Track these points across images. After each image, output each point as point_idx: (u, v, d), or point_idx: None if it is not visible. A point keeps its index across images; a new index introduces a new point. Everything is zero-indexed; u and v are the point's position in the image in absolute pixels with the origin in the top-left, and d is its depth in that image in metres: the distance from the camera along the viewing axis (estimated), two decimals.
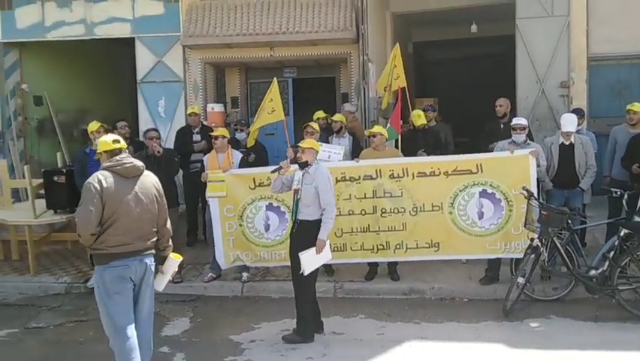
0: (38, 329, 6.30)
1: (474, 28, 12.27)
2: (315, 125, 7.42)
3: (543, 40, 9.38)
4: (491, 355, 5.29)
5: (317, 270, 5.65)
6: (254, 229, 7.03)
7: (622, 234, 6.08)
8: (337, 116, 8.26)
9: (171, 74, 10.30)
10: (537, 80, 9.41)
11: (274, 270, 7.44)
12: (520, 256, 6.43)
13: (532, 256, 6.19)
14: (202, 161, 7.42)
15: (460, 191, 6.75)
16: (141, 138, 9.07)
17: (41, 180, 7.99)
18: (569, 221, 6.26)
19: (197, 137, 8.55)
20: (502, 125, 7.79)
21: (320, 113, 8.70)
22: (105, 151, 4.52)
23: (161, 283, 4.76)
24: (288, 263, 5.89)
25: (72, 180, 7.58)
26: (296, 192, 5.59)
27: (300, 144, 5.69)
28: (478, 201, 6.73)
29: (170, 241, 4.82)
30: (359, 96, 9.73)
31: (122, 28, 10.32)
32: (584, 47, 9.34)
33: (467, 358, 5.25)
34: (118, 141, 4.55)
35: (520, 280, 6.15)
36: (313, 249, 5.45)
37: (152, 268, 4.63)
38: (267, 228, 7.02)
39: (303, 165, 5.60)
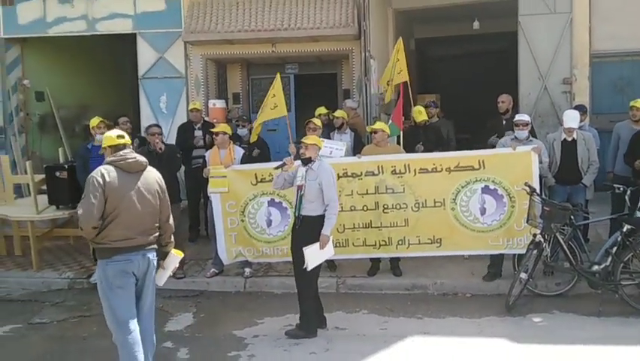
0: (42, 325, 6.31)
1: (476, 24, 12.24)
2: (317, 122, 7.42)
3: (545, 37, 9.37)
4: (494, 350, 5.29)
5: (319, 265, 5.66)
6: (256, 224, 7.04)
7: (625, 229, 6.09)
8: (339, 113, 8.26)
9: (173, 70, 10.29)
10: (539, 76, 9.41)
11: (276, 265, 7.45)
12: (523, 251, 6.45)
13: (535, 251, 6.19)
14: (204, 157, 7.43)
15: (463, 187, 6.76)
16: (143, 134, 9.08)
17: (43, 176, 8.00)
18: (572, 217, 6.27)
19: (198, 133, 8.55)
20: (504, 122, 7.78)
21: (322, 110, 8.70)
22: (109, 146, 4.55)
23: (162, 278, 4.77)
24: (290, 259, 5.90)
25: (74, 175, 7.59)
26: (299, 188, 5.59)
27: (303, 140, 5.69)
28: (481, 197, 6.74)
29: (172, 237, 4.82)
30: (361, 92, 9.72)
31: (123, 24, 10.30)
32: (586, 43, 9.32)
33: (470, 353, 5.26)
34: (122, 137, 4.57)
35: (523, 275, 6.16)
36: (317, 244, 5.46)
37: (155, 263, 4.64)
38: (269, 223, 7.03)
39: (307, 162, 5.61)
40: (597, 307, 5.92)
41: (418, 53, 14.17)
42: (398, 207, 6.85)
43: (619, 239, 6.11)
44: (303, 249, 5.41)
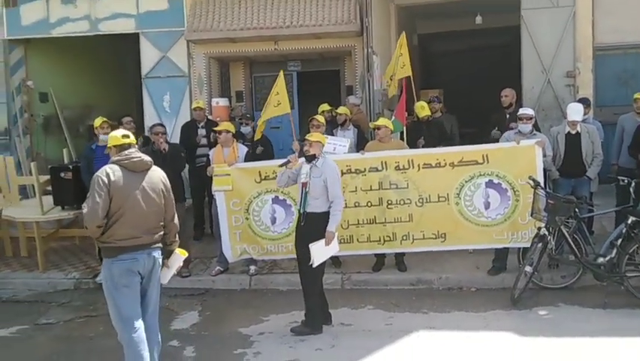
0: (48, 325, 6.33)
1: (479, 19, 12.20)
2: (321, 119, 7.42)
3: (548, 31, 9.34)
4: (500, 344, 5.29)
5: (324, 262, 5.67)
6: (260, 222, 7.05)
7: (629, 221, 6.08)
8: (341, 109, 8.26)
9: (176, 69, 10.30)
10: (543, 70, 9.38)
11: (281, 263, 7.46)
12: (528, 245, 6.44)
13: (540, 244, 6.19)
14: (208, 155, 7.44)
15: (467, 182, 6.75)
16: (147, 133, 9.10)
17: (48, 177, 8.01)
18: (576, 210, 6.26)
19: (202, 131, 8.56)
20: (507, 116, 7.76)
21: (325, 106, 8.69)
22: (114, 146, 4.58)
23: (166, 277, 4.80)
24: (295, 256, 5.91)
25: (79, 176, 7.61)
26: (304, 185, 5.60)
27: (307, 137, 5.70)
28: (485, 191, 6.73)
29: (177, 236, 4.85)
30: (363, 89, 9.72)
31: (126, 24, 10.31)
32: (589, 36, 9.30)
33: (476, 347, 5.26)
34: (127, 136, 4.60)
35: (528, 268, 6.16)
36: (323, 241, 5.47)
37: (160, 261, 4.66)
38: (274, 221, 7.03)
39: (311, 159, 5.62)
40: (603, 299, 5.92)
41: (421, 49, 14.14)
42: (402, 202, 6.84)
43: (624, 231, 6.10)
44: (310, 245, 5.42)
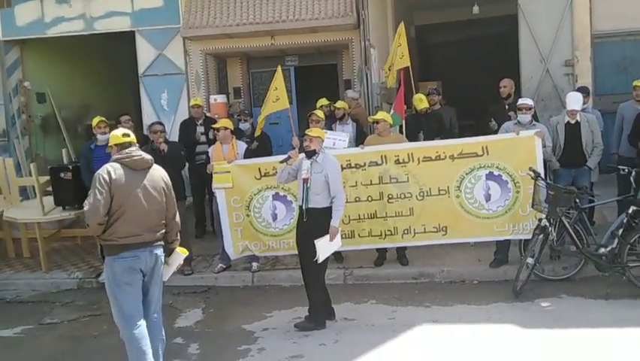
0: (52, 325, 6.36)
1: (476, 9, 12.15)
2: (320, 114, 7.41)
3: (546, 19, 9.31)
4: (503, 336, 5.30)
5: (327, 257, 5.68)
6: (261, 218, 7.05)
7: (630, 211, 6.08)
8: (339, 103, 8.24)
9: (173, 66, 10.28)
10: (541, 59, 9.36)
11: (283, 259, 7.47)
12: (529, 236, 6.44)
13: (541, 236, 6.19)
14: (207, 153, 7.43)
15: (467, 174, 6.74)
16: (145, 132, 9.09)
17: (48, 177, 8.02)
18: (577, 200, 6.26)
19: (201, 129, 8.54)
20: (506, 107, 7.74)
21: (323, 101, 8.68)
22: (115, 144, 4.61)
23: (166, 275, 4.83)
24: (297, 252, 5.92)
25: (79, 176, 7.61)
26: (305, 181, 5.60)
27: (307, 133, 5.69)
28: (485, 183, 6.72)
29: (179, 234, 4.87)
30: (362, 82, 9.70)
31: (121, 22, 10.28)
32: (587, 24, 9.25)
33: (479, 340, 5.27)
34: (128, 135, 4.64)
35: (530, 260, 6.16)
36: (327, 236, 5.49)
37: (162, 259, 4.69)
38: (275, 217, 7.04)
39: (311, 154, 5.61)
40: (604, 289, 5.91)
41: (418, 40, 14.10)
42: (403, 196, 6.84)
43: (625, 221, 6.09)
44: (315, 242, 5.42)
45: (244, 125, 8.21)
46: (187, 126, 8.73)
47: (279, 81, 7.48)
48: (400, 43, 8.12)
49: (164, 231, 4.68)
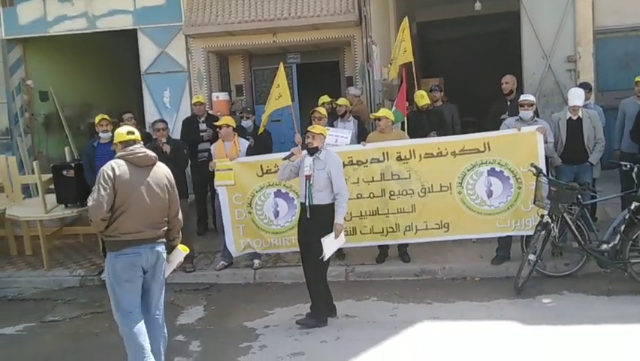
0: (54, 323, 6.38)
1: (478, 5, 12.09)
2: (323, 111, 7.39)
3: (548, 15, 9.28)
4: (504, 333, 5.29)
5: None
6: (263, 216, 7.06)
7: (633, 207, 6.05)
8: (341, 100, 8.23)
9: (175, 64, 10.28)
10: (543, 55, 9.33)
11: (285, 256, 7.47)
12: (531, 233, 6.42)
13: (543, 232, 6.17)
14: (209, 150, 7.44)
15: (468, 170, 6.73)
16: (147, 130, 9.10)
17: (50, 175, 8.04)
18: (579, 196, 6.24)
19: (203, 126, 8.54)
20: (508, 103, 7.72)
21: (325, 98, 8.66)
22: (120, 142, 4.64)
23: (166, 272, 4.85)
24: (299, 249, 5.92)
25: (81, 174, 7.62)
26: (307, 177, 5.60)
27: (310, 130, 5.69)
28: (487, 179, 6.71)
29: (180, 232, 4.89)
30: (363, 79, 9.68)
31: (123, 20, 10.29)
32: (589, 19, 9.23)
33: (480, 336, 5.27)
34: (132, 133, 4.67)
35: (532, 257, 6.15)
36: (333, 234, 5.50)
37: (164, 255, 4.71)
38: (277, 214, 7.04)
39: (313, 151, 5.62)
40: (606, 286, 5.90)
41: (420, 37, 14.06)
42: (404, 193, 6.84)
43: (627, 217, 6.07)
44: (322, 240, 5.43)
45: (246, 123, 8.21)
46: (189, 124, 8.74)
47: (281, 78, 7.49)
48: (403, 38, 8.10)
49: (166, 228, 4.70)
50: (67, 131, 11.35)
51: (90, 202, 4.41)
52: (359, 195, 6.87)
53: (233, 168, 6.97)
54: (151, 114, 10.20)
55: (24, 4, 10.40)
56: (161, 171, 4.70)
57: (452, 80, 12.72)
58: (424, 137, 7.40)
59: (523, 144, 6.61)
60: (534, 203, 6.31)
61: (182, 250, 4.88)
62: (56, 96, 11.38)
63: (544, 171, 6.41)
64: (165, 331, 4.82)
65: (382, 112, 7.17)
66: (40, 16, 10.38)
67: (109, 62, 12.42)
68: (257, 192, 7.03)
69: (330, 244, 5.52)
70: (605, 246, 6.11)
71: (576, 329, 5.22)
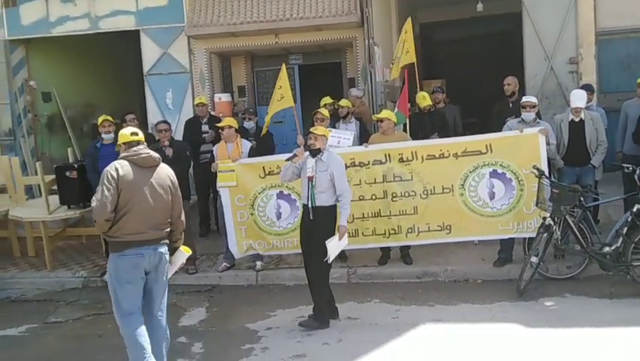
0: (57, 324, 6.39)
1: (480, 6, 12.09)
2: (325, 112, 7.41)
3: (550, 17, 9.27)
4: (506, 335, 5.29)
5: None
6: (265, 217, 7.06)
7: (635, 209, 6.05)
8: (343, 102, 8.23)
9: (177, 65, 10.30)
10: (545, 57, 9.32)
11: (287, 258, 7.48)
12: (533, 235, 6.42)
13: (545, 234, 6.17)
14: (212, 151, 7.45)
15: (471, 172, 6.73)
16: (150, 130, 9.11)
17: (53, 176, 8.05)
18: (581, 198, 6.23)
19: (205, 127, 8.55)
20: (510, 105, 7.72)
21: (327, 99, 8.68)
22: (124, 143, 4.67)
23: (169, 273, 4.86)
24: (301, 250, 5.93)
25: (84, 175, 7.64)
26: (310, 179, 5.60)
27: (312, 131, 5.69)
28: (489, 181, 6.71)
29: (183, 233, 4.90)
30: (366, 81, 9.70)
31: (126, 21, 10.32)
32: (591, 21, 9.21)
33: (482, 339, 5.27)
34: (136, 134, 4.70)
35: (534, 259, 6.15)
36: (337, 236, 5.51)
37: (167, 257, 4.72)
38: (279, 216, 7.04)
39: (316, 152, 5.62)
40: (609, 289, 5.89)
41: (422, 38, 14.06)
42: (407, 195, 6.84)
43: (629, 219, 6.07)
44: (326, 242, 5.44)
45: (248, 124, 8.22)
46: (192, 125, 8.74)
47: (283, 79, 7.49)
48: (405, 39, 8.10)
49: (169, 229, 4.71)
50: (70, 132, 11.37)
51: (94, 203, 4.43)
52: (361, 197, 6.87)
53: (235, 170, 6.97)
54: (153, 115, 10.22)
55: (27, 5, 10.42)
56: (165, 172, 4.72)
57: (454, 82, 12.73)
58: (426, 138, 7.40)
59: (525, 145, 6.61)
60: (536, 205, 6.31)
61: (184, 252, 4.90)
62: (59, 97, 11.40)
63: (547, 173, 6.41)
64: (168, 332, 4.83)
65: (384, 113, 7.17)
66: (42, 17, 10.41)
67: (111, 63, 12.45)
68: (259, 193, 7.04)
69: (334, 247, 5.53)
70: (607, 248, 6.11)
71: (578, 332, 5.22)
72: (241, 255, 7.21)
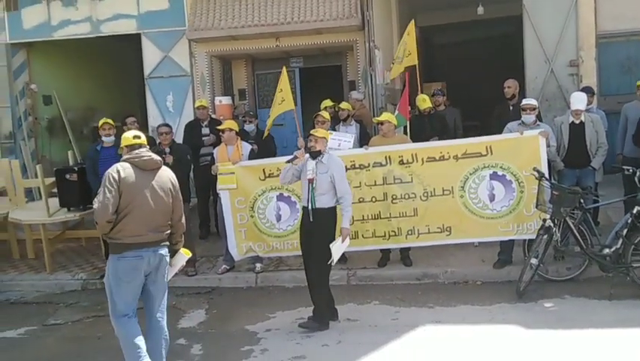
0: (56, 326, 6.39)
1: (480, 10, 12.14)
2: (326, 115, 7.41)
3: (551, 20, 9.28)
4: (506, 337, 5.29)
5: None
6: (265, 219, 7.06)
7: (635, 211, 6.04)
8: (344, 105, 8.24)
9: (178, 68, 10.32)
10: (546, 59, 9.32)
11: (287, 260, 7.48)
12: (533, 236, 6.42)
13: (545, 236, 6.17)
14: (212, 154, 7.46)
15: (471, 174, 6.73)
16: (150, 133, 9.13)
17: (53, 179, 8.06)
18: (581, 200, 6.23)
19: (205, 130, 8.56)
20: (511, 107, 7.72)
21: (327, 102, 8.69)
22: (126, 146, 4.70)
23: (169, 275, 4.87)
24: (301, 252, 5.93)
25: (84, 177, 7.64)
26: (310, 181, 5.61)
27: (313, 133, 5.70)
28: (489, 183, 6.71)
29: (183, 236, 4.92)
30: (366, 84, 9.70)
31: (127, 25, 10.33)
32: (592, 24, 9.22)
33: (482, 340, 5.26)
34: (139, 137, 4.72)
35: (534, 261, 6.14)
36: (339, 238, 5.53)
37: (167, 259, 4.73)
38: (279, 218, 7.04)
39: (316, 155, 5.63)
40: (608, 290, 5.89)
41: (423, 41, 14.07)
42: (407, 197, 6.83)
43: (629, 221, 6.05)
44: (330, 245, 5.45)
45: (249, 127, 8.22)
46: (192, 128, 8.75)
47: (284, 83, 7.49)
48: (407, 41, 8.10)
49: (169, 232, 4.73)
50: (71, 135, 11.39)
51: (96, 204, 4.45)
52: (361, 199, 6.87)
53: (235, 172, 6.97)
54: (154, 118, 10.23)
55: (28, 9, 10.44)
56: (166, 175, 4.74)
57: (454, 84, 12.73)
58: (427, 141, 7.41)
59: (525, 147, 6.61)
60: (536, 207, 6.31)
61: (184, 254, 4.91)
62: (60, 100, 11.42)
63: (547, 174, 6.41)
64: (167, 334, 4.83)
65: (385, 116, 7.18)
66: (44, 21, 10.43)
67: (112, 67, 12.47)
68: (259, 195, 7.04)
69: (337, 249, 5.55)
70: (607, 250, 6.10)
71: (578, 334, 5.21)
72: (241, 257, 7.21)
